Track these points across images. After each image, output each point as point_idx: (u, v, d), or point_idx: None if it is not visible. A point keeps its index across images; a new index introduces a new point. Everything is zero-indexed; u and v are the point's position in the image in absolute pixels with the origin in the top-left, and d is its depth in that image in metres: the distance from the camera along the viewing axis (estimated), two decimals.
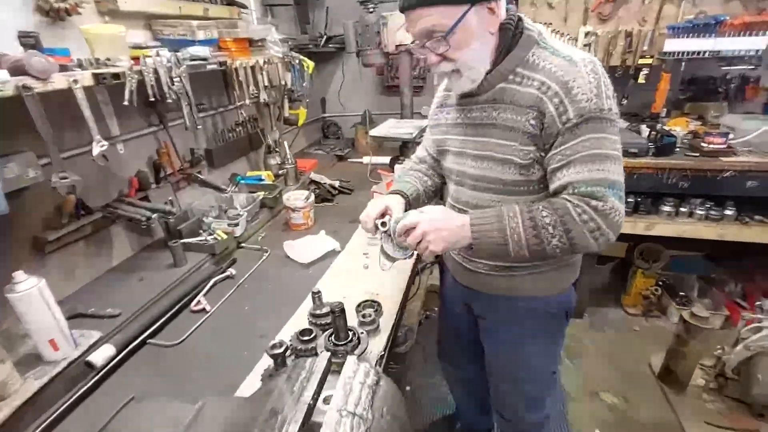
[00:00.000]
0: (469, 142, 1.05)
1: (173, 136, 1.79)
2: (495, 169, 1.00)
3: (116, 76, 1.20)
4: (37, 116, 1.01)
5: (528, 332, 1.19)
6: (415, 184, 1.25)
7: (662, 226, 2.33)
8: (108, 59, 1.27)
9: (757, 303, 1.33)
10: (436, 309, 2.77)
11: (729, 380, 1.32)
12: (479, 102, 1.00)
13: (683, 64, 2.40)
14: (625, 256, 2.89)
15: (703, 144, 2.17)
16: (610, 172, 0.88)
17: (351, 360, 0.67)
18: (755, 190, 2.15)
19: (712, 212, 2.27)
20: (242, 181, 2.22)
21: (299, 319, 1.26)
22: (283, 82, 2.34)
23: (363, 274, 1.49)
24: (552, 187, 0.94)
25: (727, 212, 2.25)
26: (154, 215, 1.46)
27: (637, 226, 2.34)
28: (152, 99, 1.33)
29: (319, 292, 1.14)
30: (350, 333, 1.01)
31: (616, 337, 2.61)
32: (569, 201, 0.88)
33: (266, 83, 2.03)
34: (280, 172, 2.40)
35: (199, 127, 1.54)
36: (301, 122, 2.66)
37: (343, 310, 0.96)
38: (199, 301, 1.41)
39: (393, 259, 1.06)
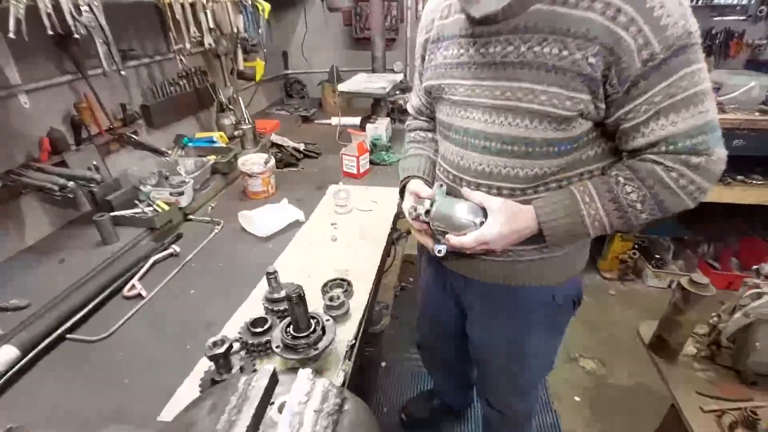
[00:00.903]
0: (481, 88, 0.80)
1: (96, 88, 1.47)
2: (520, 124, 0.76)
3: None
4: None
5: (529, 326, 1.01)
6: (428, 155, 1.07)
7: None
8: None
9: (754, 267, 1.23)
10: (412, 280, 2.64)
11: (722, 348, 1.24)
12: (501, 32, 0.74)
13: None
14: None
15: None
16: (711, 111, 0.69)
17: (303, 376, 0.48)
18: (741, 149, 2.07)
19: None
20: (190, 144, 1.92)
21: (254, 304, 1.06)
22: (235, 29, 2.01)
23: (330, 248, 1.30)
24: (631, 145, 0.74)
25: None
26: (71, 183, 1.19)
27: None
28: (51, 33, 1.02)
29: (275, 272, 0.94)
30: (312, 321, 0.83)
31: (592, 302, 2.58)
32: (662, 164, 0.72)
33: (211, 25, 1.70)
34: (236, 133, 2.11)
35: (122, 73, 1.25)
36: (258, 77, 2.34)
37: (301, 297, 0.77)
38: (133, 285, 1.18)
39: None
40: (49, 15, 1.02)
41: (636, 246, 2.75)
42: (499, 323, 1.04)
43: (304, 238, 1.37)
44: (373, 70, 2.48)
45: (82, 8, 1.10)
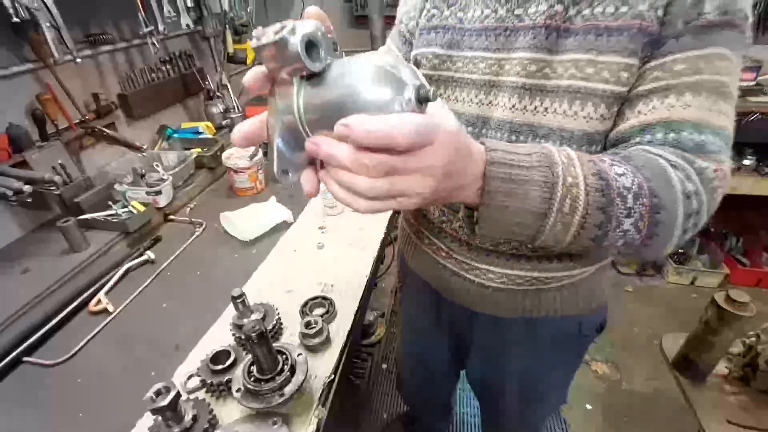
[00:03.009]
0: (511, 63, 0.61)
1: (64, 77, 1.34)
2: (554, 109, 0.58)
3: None
4: None
5: (548, 362, 0.85)
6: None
7: None
8: None
9: None
10: None
11: (759, 372, 1.09)
12: None
13: None
14: None
15: None
16: (731, 121, 0.52)
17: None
18: None
19: None
20: (174, 135, 1.80)
21: (226, 325, 0.95)
22: (223, 8, 1.85)
23: (316, 257, 1.17)
24: (622, 126, 0.55)
25: (746, 162, 1.98)
26: (27, 187, 1.07)
27: None
28: None
29: (242, 295, 0.82)
30: (280, 358, 0.71)
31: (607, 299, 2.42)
32: (662, 156, 0.50)
33: (189, 3, 1.54)
34: (224, 122, 1.97)
35: (77, 60, 1.11)
36: (250, 60, 2.18)
37: (262, 335, 0.64)
38: (98, 299, 1.07)
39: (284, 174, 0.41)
40: None
41: None
42: (512, 360, 0.87)
43: (288, 244, 1.24)
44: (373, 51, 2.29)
45: None
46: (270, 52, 0.33)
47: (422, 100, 0.33)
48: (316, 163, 0.40)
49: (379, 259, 1.21)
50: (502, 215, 0.45)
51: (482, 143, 0.44)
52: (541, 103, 0.60)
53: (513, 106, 0.62)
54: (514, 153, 0.44)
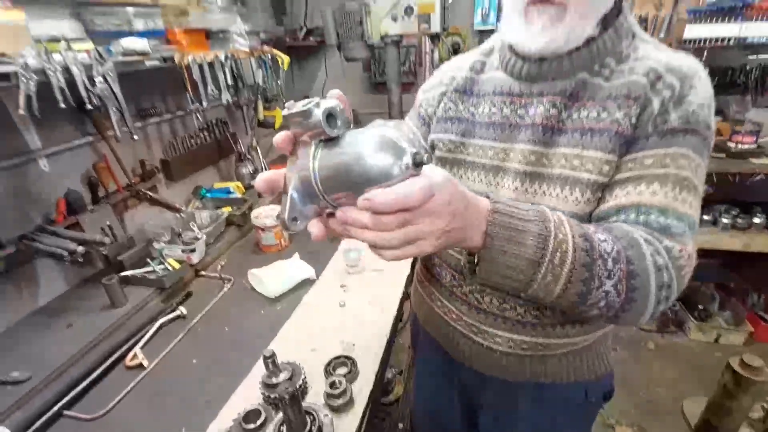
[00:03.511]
0: (515, 152, 0.72)
1: (116, 148, 1.51)
2: (550, 192, 0.68)
3: (4, 76, 0.93)
4: None
5: (557, 425, 0.87)
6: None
7: None
8: (3, 55, 0.99)
9: None
10: None
11: None
12: (545, 93, 0.69)
13: (705, 52, 2.13)
14: None
15: (730, 143, 1.93)
16: (695, 212, 0.61)
17: None
18: None
19: (739, 221, 2.03)
20: (207, 195, 1.94)
21: (254, 383, 0.99)
22: (257, 81, 2.06)
23: (338, 315, 1.23)
24: (602, 207, 0.64)
25: (756, 220, 2.01)
26: (80, 248, 1.19)
27: None
28: (63, 106, 1.05)
29: (272, 355, 0.88)
30: (308, 419, 0.75)
31: (628, 357, 2.37)
32: (638, 233, 0.57)
33: (230, 82, 1.75)
34: (253, 183, 2.12)
35: (135, 137, 1.27)
36: (278, 125, 2.38)
37: (294, 396, 0.70)
38: (134, 354, 1.14)
39: (294, 222, 0.47)
40: (62, 89, 1.05)
41: None
42: (522, 423, 0.89)
43: (312, 302, 1.31)
44: (390, 116, 2.48)
45: (96, 79, 1.13)
46: (298, 118, 0.42)
47: (418, 164, 0.40)
48: (323, 214, 0.48)
49: (398, 318, 1.26)
50: (501, 258, 0.51)
51: (487, 196, 0.52)
52: (540, 187, 0.70)
53: (516, 188, 0.72)
54: (514, 207, 0.52)
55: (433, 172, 0.44)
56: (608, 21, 0.67)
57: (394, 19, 2.07)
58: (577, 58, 0.67)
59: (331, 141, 0.42)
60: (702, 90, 0.61)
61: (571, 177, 0.66)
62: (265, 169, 2.13)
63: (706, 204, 2.09)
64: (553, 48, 0.66)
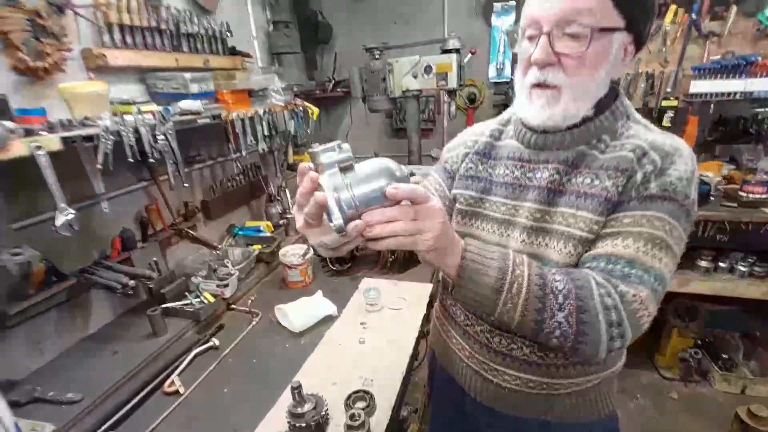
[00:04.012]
0: (523, 208, 0.83)
1: (165, 191, 1.70)
2: (550, 246, 0.79)
3: (89, 138, 1.12)
4: None
5: None
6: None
7: (698, 283, 2.09)
8: (87, 118, 1.19)
9: None
10: None
11: None
12: (550, 160, 0.81)
13: (711, 106, 2.23)
14: (657, 312, 2.61)
15: (741, 193, 1.97)
16: (664, 266, 0.69)
17: None
18: None
19: (756, 269, 2.03)
20: (240, 233, 2.11)
21: (280, 413, 1.08)
22: (288, 129, 2.27)
23: (358, 351, 1.32)
24: (584, 256, 0.74)
25: None
26: (131, 282, 1.34)
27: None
28: (131, 160, 1.23)
29: (299, 386, 0.97)
30: None
31: (651, 408, 2.31)
32: (593, 276, 0.68)
33: (266, 132, 1.95)
34: (281, 222, 2.29)
35: (185, 185, 1.45)
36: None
37: (319, 425, 0.79)
38: (172, 381, 1.25)
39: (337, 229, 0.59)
40: (131, 146, 1.23)
41: (699, 342, 2.49)
42: None
43: (334, 337, 1.41)
44: (409, 161, 2.64)
45: (158, 137, 1.32)
46: (327, 151, 0.58)
47: (411, 173, 0.62)
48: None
49: (414, 356, 1.33)
50: (470, 285, 0.66)
51: (463, 239, 0.68)
52: (543, 240, 0.81)
53: (523, 240, 0.83)
54: (483, 248, 0.68)
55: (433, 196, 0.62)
56: (606, 104, 0.79)
57: (415, 77, 2.27)
58: (577, 133, 0.79)
59: (347, 169, 0.59)
60: (681, 166, 0.71)
61: (567, 233, 0.77)
62: (291, 209, 2.30)
63: (722, 251, 2.11)
64: (551, 123, 0.79)
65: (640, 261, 0.68)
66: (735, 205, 1.98)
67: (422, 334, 1.48)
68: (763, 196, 1.93)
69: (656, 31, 2.19)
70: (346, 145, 0.59)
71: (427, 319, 1.53)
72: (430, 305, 1.58)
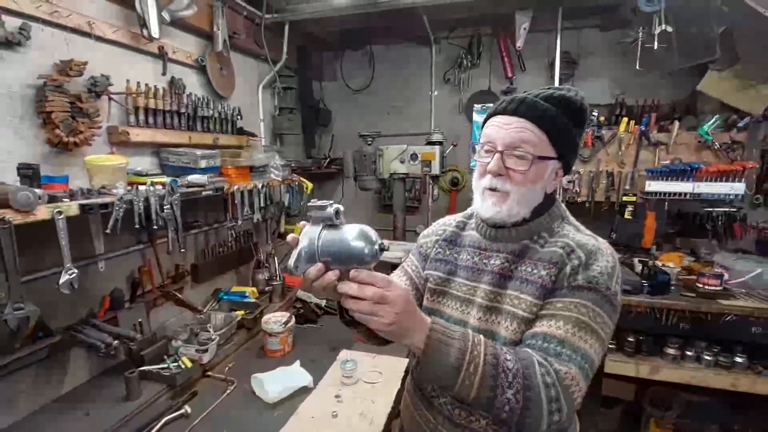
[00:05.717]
0: (480, 290, 0.98)
1: (160, 253, 1.79)
2: (500, 323, 0.92)
3: (104, 206, 1.25)
4: (8, 247, 1.01)
5: None
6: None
7: (668, 371, 2.15)
8: (104, 187, 1.34)
9: None
10: None
11: None
12: (501, 251, 0.97)
13: (666, 203, 2.49)
14: (634, 398, 2.62)
15: (698, 285, 2.12)
16: (590, 347, 0.82)
17: None
18: (762, 337, 2.02)
19: (721, 358, 2.11)
20: (225, 297, 2.16)
21: None
22: (282, 201, 2.44)
23: (330, 425, 1.33)
24: (526, 333, 0.87)
25: (737, 359, 2.09)
26: (115, 342, 1.38)
27: (641, 370, 2.17)
28: (137, 226, 1.35)
29: None
30: None
31: None
32: (535, 356, 0.79)
33: (262, 204, 2.11)
34: (267, 288, 2.35)
35: (182, 250, 1.55)
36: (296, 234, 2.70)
37: None
38: None
39: (295, 268, 0.74)
40: (140, 214, 1.36)
41: None
42: None
43: (307, 409, 1.42)
44: (394, 237, 2.80)
45: (165, 207, 1.46)
46: (316, 210, 0.72)
47: (382, 249, 0.71)
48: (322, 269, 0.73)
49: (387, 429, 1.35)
50: (434, 363, 0.76)
51: (430, 316, 0.79)
52: (496, 318, 0.94)
53: (479, 318, 0.96)
54: (447, 328, 0.78)
55: (398, 281, 0.76)
56: (546, 207, 0.98)
57: (402, 162, 2.53)
58: (521, 230, 0.97)
59: (332, 227, 0.72)
60: (603, 262, 0.88)
61: (513, 312, 0.91)
62: (279, 278, 2.38)
63: (688, 340, 2.20)
64: (499, 219, 0.96)
65: (569, 342, 0.81)
66: (694, 295, 2.12)
67: (395, 412, 1.50)
68: (718, 288, 2.09)
69: (612, 138, 2.52)
70: (338, 207, 0.73)
71: (400, 396, 1.55)
72: (405, 379, 1.61)
